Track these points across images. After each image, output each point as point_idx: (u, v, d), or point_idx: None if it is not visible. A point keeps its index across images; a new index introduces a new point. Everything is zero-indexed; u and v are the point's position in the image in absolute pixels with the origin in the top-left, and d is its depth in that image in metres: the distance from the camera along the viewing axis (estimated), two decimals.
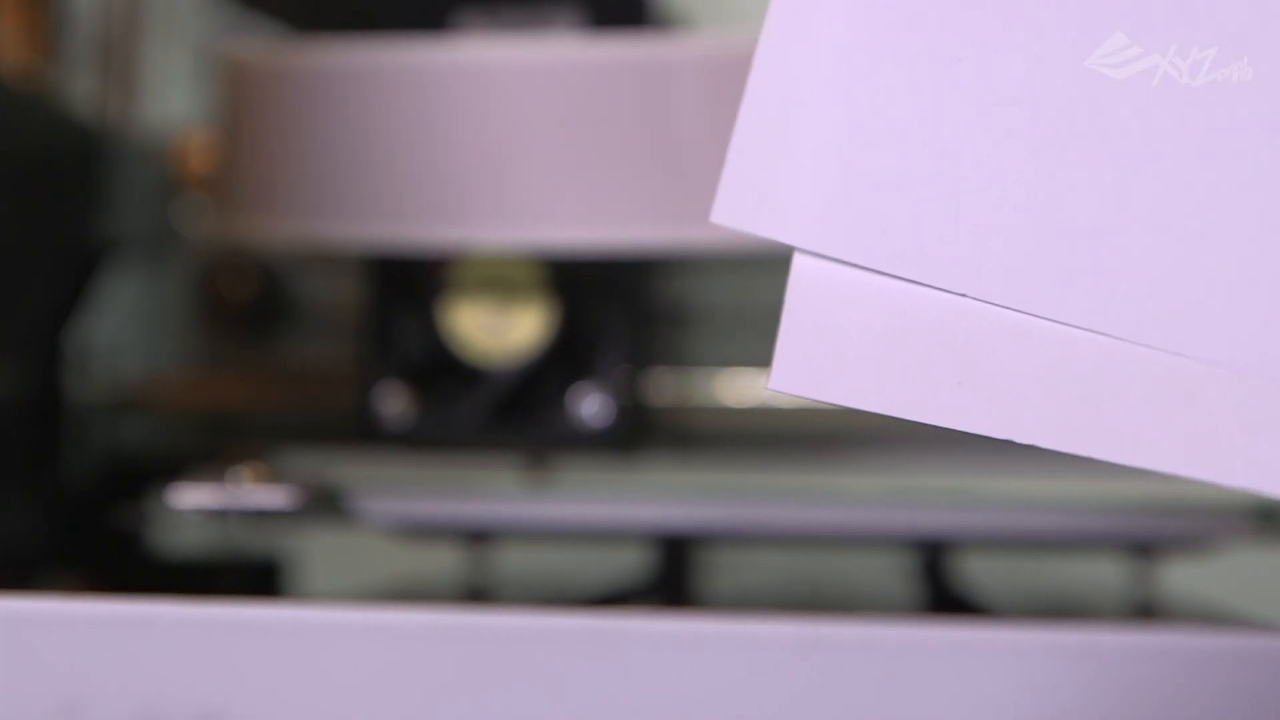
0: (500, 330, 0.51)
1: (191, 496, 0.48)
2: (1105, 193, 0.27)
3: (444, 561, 0.54)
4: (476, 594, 0.52)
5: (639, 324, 0.52)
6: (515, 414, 0.51)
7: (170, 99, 0.62)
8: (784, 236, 0.28)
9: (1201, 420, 0.27)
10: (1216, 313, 0.27)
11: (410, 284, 0.52)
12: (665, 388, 0.55)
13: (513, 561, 0.54)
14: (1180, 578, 0.53)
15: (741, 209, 0.28)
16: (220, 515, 0.48)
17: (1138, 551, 0.50)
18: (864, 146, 0.28)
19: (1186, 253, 0.27)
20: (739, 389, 0.55)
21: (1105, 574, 0.53)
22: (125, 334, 0.59)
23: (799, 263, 0.28)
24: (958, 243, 0.27)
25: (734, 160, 0.28)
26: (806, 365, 0.28)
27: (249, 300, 0.59)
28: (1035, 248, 0.27)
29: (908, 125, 0.28)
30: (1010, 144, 0.28)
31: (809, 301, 0.28)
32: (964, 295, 0.27)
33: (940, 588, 0.47)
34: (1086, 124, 0.27)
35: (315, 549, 0.60)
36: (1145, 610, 0.50)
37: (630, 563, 0.50)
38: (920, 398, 0.27)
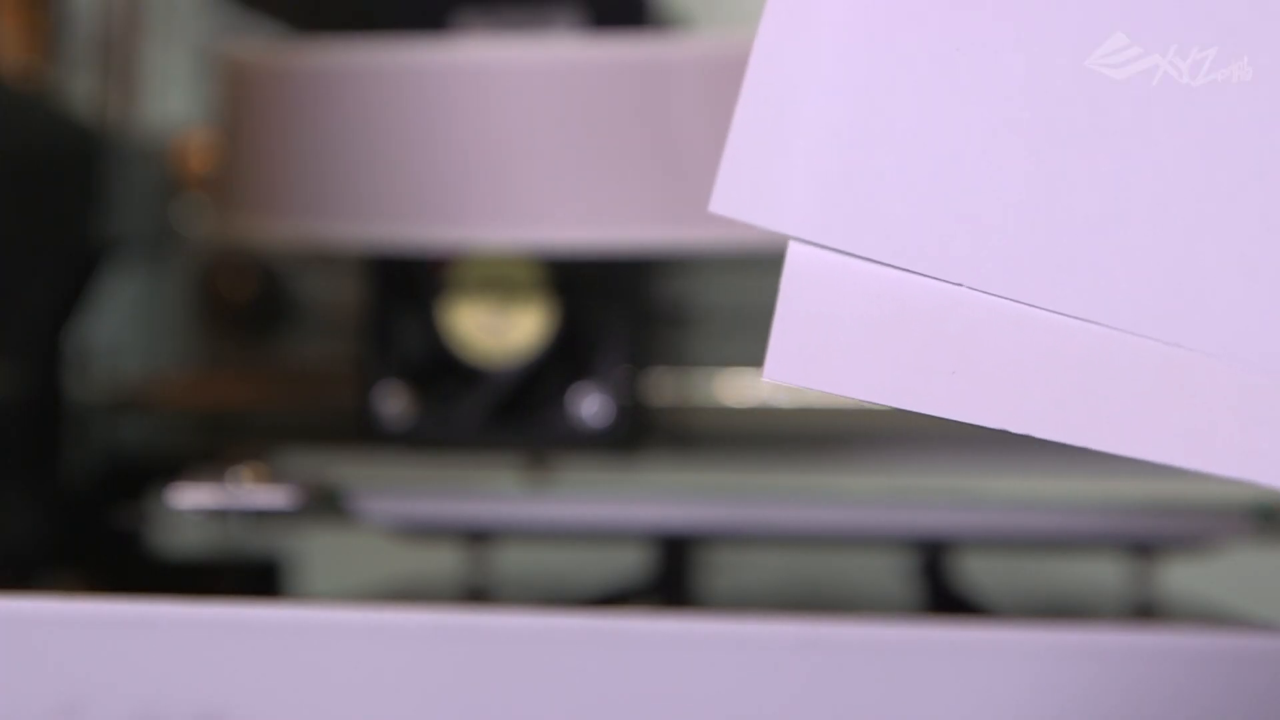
0: (500, 330, 0.51)
1: (191, 496, 0.48)
2: (1105, 190, 0.27)
3: (444, 561, 0.54)
4: (476, 594, 0.52)
5: (639, 324, 0.52)
6: (515, 414, 0.51)
7: (170, 99, 0.62)
8: (781, 226, 0.28)
9: (1197, 411, 0.27)
10: (1215, 307, 0.27)
11: (410, 284, 0.52)
12: (665, 388, 0.55)
13: (513, 561, 0.54)
14: (1180, 578, 0.53)
15: (739, 199, 0.28)
16: (220, 515, 0.48)
17: (1138, 551, 0.50)
18: (861, 137, 0.28)
19: (1186, 250, 0.27)
20: (739, 389, 0.55)
21: (1105, 574, 0.53)
22: (125, 334, 0.59)
23: (794, 252, 0.28)
24: (954, 233, 0.27)
25: (732, 150, 0.28)
26: (801, 355, 0.28)
27: (249, 300, 0.59)
28: (1032, 240, 0.27)
29: (906, 117, 0.28)
30: (1009, 138, 0.28)
31: (804, 291, 0.28)
32: (959, 285, 0.27)
33: (940, 588, 0.47)
34: (1086, 124, 0.28)
35: (315, 549, 0.60)
36: (1145, 610, 0.50)
37: (630, 563, 0.50)
38: (914, 387, 0.27)
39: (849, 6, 0.28)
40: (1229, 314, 0.27)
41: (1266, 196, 0.27)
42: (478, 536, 0.51)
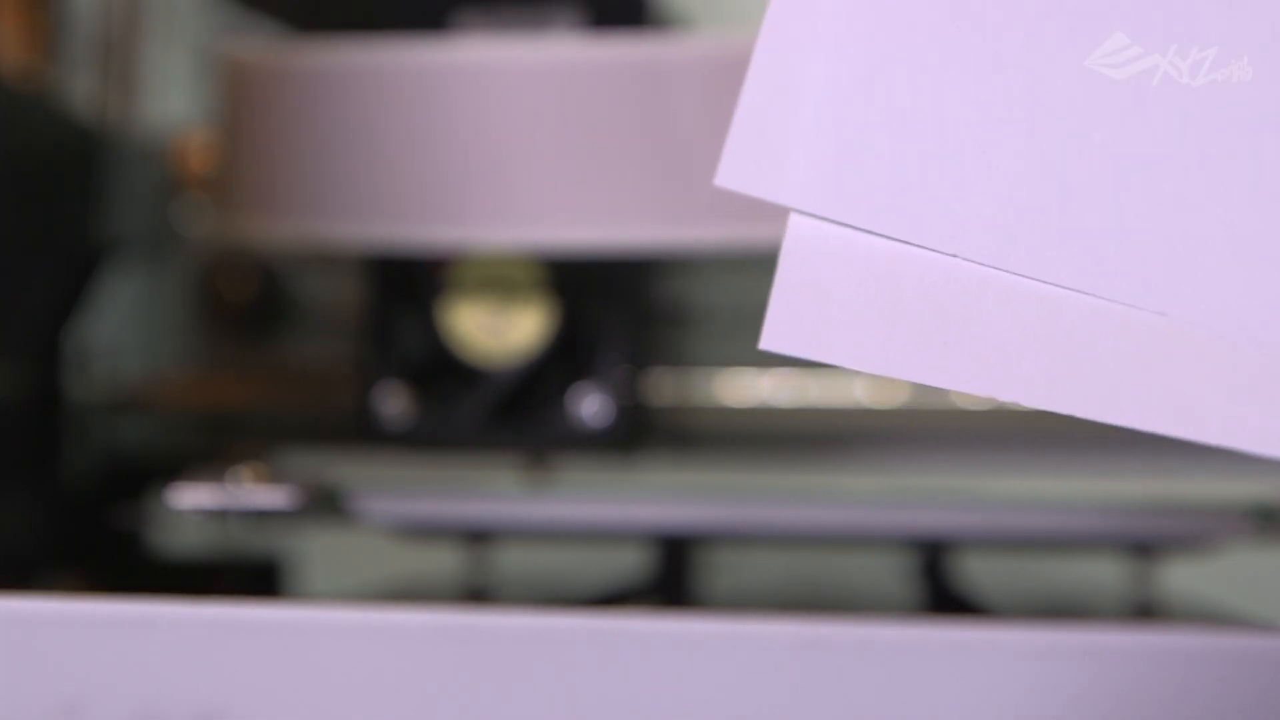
0: (500, 330, 0.51)
1: (191, 496, 0.48)
2: (1104, 188, 0.27)
3: (444, 561, 0.54)
4: (476, 594, 0.52)
5: (639, 324, 0.52)
6: (515, 414, 0.51)
7: (170, 99, 0.62)
8: (784, 199, 0.28)
9: (1183, 380, 0.27)
10: (1214, 305, 0.27)
11: (410, 284, 0.52)
12: (665, 388, 0.55)
13: (513, 561, 0.54)
14: (1180, 578, 0.53)
15: (744, 173, 0.28)
16: (220, 515, 0.48)
17: (1138, 551, 0.50)
18: (865, 111, 0.28)
19: (1186, 249, 0.27)
20: (739, 389, 0.55)
21: (1105, 574, 0.53)
22: (125, 334, 0.59)
23: (795, 224, 0.28)
24: (951, 205, 0.28)
25: (739, 126, 0.28)
26: (797, 324, 0.28)
27: (249, 300, 0.59)
28: (1030, 218, 0.27)
29: (908, 91, 0.28)
30: (1008, 116, 0.28)
31: (803, 262, 0.28)
32: (954, 256, 0.28)
33: (940, 588, 0.47)
34: (1086, 123, 0.28)
35: (315, 549, 0.60)
36: (1145, 610, 0.50)
37: (630, 563, 0.50)
38: (909, 358, 0.27)
39: None
40: (1218, 288, 0.27)
41: (1266, 196, 0.27)
42: (478, 536, 0.51)
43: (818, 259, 0.28)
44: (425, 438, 0.52)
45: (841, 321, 0.28)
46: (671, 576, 0.48)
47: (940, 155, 0.28)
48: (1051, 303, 0.27)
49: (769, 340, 0.28)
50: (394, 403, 0.51)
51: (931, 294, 0.28)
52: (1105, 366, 0.27)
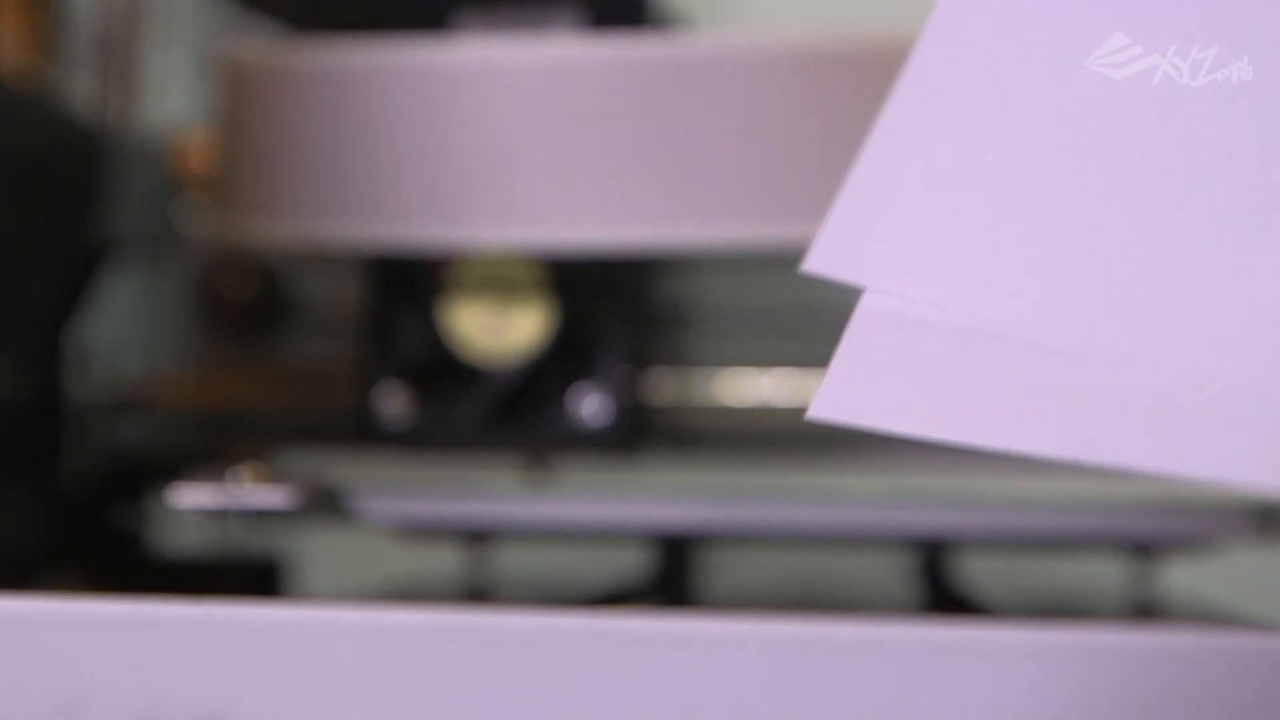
0: (500, 330, 0.51)
1: (191, 496, 0.48)
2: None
3: (444, 561, 0.54)
4: (476, 594, 0.52)
5: (639, 324, 0.52)
6: (515, 414, 0.51)
7: (170, 99, 0.62)
8: (872, 282, 0.28)
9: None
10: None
11: (410, 284, 0.52)
12: (665, 388, 0.55)
13: (513, 561, 0.54)
14: (1180, 578, 0.53)
15: (836, 258, 0.29)
16: (220, 515, 0.48)
17: (1138, 551, 0.50)
18: (962, 201, 0.28)
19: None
20: (739, 389, 0.55)
21: (1105, 574, 0.53)
22: (125, 334, 0.59)
23: (869, 301, 0.28)
24: (1033, 287, 0.28)
25: (838, 216, 0.29)
26: (854, 393, 0.28)
27: (249, 300, 0.59)
28: (1072, 276, 0.27)
29: (1004, 185, 0.28)
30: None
31: (871, 336, 0.28)
32: (1006, 321, 0.28)
33: (940, 588, 0.47)
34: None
35: (315, 549, 0.60)
36: (1145, 610, 0.50)
37: (630, 563, 0.50)
38: (967, 422, 0.27)
39: (965, 94, 0.29)
40: (1230, 325, 0.27)
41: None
42: (478, 536, 0.51)
43: (887, 335, 0.28)
44: (425, 438, 0.52)
45: (900, 390, 0.28)
46: (671, 576, 0.48)
47: (1024, 241, 0.28)
48: (1107, 369, 0.27)
49: (820, 408, 0.28)
50: (394, 403, 0.51)
51: (995, 362, 0.28)
52: (1172, 427, 0.27)
